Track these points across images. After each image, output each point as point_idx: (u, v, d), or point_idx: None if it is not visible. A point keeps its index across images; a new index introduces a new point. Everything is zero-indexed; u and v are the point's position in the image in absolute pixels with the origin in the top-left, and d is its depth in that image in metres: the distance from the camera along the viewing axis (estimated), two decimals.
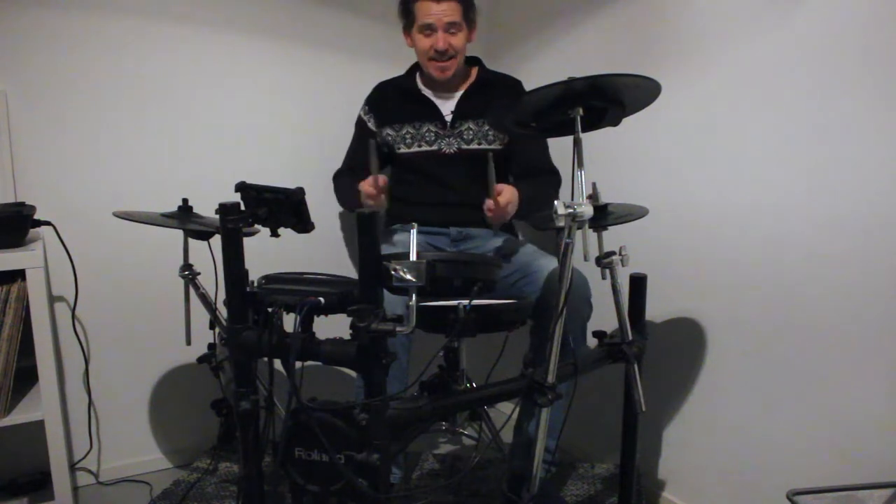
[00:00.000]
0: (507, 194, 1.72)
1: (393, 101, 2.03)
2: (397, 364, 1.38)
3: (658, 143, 1.80)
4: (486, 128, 1.97)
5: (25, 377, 1.62)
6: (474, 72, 2.04)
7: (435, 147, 1.98)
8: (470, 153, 1.97)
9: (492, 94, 1.98)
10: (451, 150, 1.98)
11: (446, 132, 1.98)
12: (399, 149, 2.02)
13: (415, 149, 2.00)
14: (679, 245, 1.77)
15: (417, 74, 2.05)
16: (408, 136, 2.00)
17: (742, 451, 1.64)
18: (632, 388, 1.48)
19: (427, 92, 2.01)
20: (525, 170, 2.02)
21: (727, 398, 1.67)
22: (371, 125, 2.05)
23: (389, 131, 2.02)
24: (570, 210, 1.18)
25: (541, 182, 1.98)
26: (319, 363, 1.22)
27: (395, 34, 1.99)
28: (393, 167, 2.09)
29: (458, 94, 1.99)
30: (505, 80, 2.05)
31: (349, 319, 1.12)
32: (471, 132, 1.97)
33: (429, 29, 1.89)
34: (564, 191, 1.99)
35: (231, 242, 1.24)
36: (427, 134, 1.99)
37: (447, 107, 1.99)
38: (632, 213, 1.55)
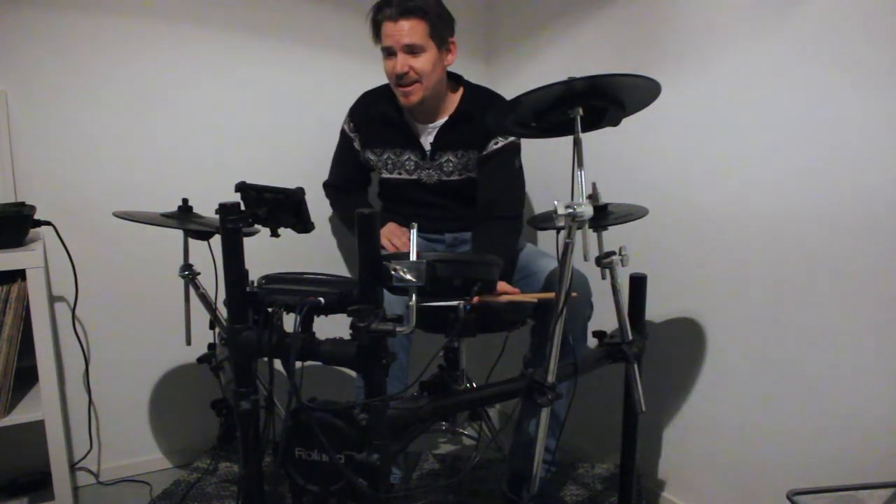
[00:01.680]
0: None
1: (375, 123, 1.93)
2: (397, 364, 1.38)
3: (658, 143, 1.80)
4: (466, 158, 1.88)
5: (25, 377, 1.62)
6: (457, 96, 1.89)
7: (415, 176, 1.92)
8: (451, 184, 1.92)
9: (474, 123, 1.83)
10: (432, 181, 1.92)
11: (426, 163, 1.90)
12: (381, 173, 1.98)
13: (395, 175, 1.95)
14: (679, 245, 1.77)
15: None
16: (389, 162, 1.94)
17: (742, 451, 1.64)
18: (632, 388, 1.48)
19: (408, 118, 1.90)
20: (484, 204, 1.87)
21: (727, 398, 1.67)
22: (356, 144, 1.98)
23: (371, 155, 1.96)
24: (570, 210, 1.18)
25: (490, 234, 1.81)
26: (319, 363, 1.22)
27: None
28: (380, 184, 2.06)
29: (439, 124, 1.88)
30: (490, 101, 1.89)
31: (349, 319, 1.12)
32: (451, 164, 1.89)
33: (389, 52, 1.76)
34: (565, 191, 1.99)
35: (231, 242, 1.24)
36: (407, 162, 1.92)
37: (427, 137, 1.90)
38: (632, 213, 1.55)
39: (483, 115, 1.80)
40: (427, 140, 1.90)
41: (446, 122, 1.87)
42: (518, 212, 1.87)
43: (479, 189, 1.89)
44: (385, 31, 1.75)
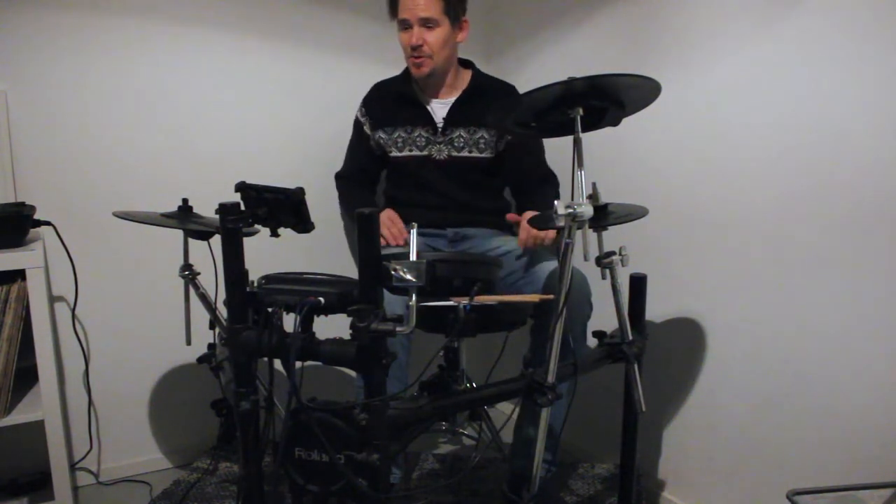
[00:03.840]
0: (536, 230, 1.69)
1: (387, 103, 2.00)
2: (397, 364, 1.38)
3: (658, 143, 1.80)
4: (478, 135, 1.94)
5: (25, 377, 1.62)
6: (468, 76, 1.99)
7: (426, 152, 1.96)
8: (461, 160, 1.96)
9: (486, 101, 1.89)
10: (442, 157, 1.96)
11: (437, 138, 1.95)
12: (391, 152, 2.00)
13: (406, 153, 1.98)
14: (679, 245, 1.77)
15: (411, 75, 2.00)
16: (399, 140, 1.98)
17: (742, 451, 1.64)
18: (632, 388, 1.48)
19: (420, 95, 1.97)
20: (521, 178, 2.02)
21: (727, 398, 1.67)
22: (367, 128, 2.03)
23: (382, 134, 2.00)
24: (570, 210, 1.18)
25: (544, 193, 1.97)
26: (319, 363, 1.22)
27: (395, 34, 1.99)
28: (387, 169, 2.09)
29: (452, 100, 1.95)
30: (499, 86, 2.01)
31: (349, 319, 1.12)
32: (461, 140, 1.94)
33: (405, 25, 1.86)
34: (564, 191, 1.99)
35: (231, 242, 1.24)
36: (418, 139, 1.96)
37: (440, 112, 1.96)
38: (632, 213, 1.55)
39: (494, 94, 1.93)
40: (440, 115, 1.95)
41: (460, 97, 1.95)
42: (552, 171, 2.03)
43: (512, 167, 2.00)
44: (403, 4, 1.84)
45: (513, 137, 1.96)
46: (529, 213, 1.75)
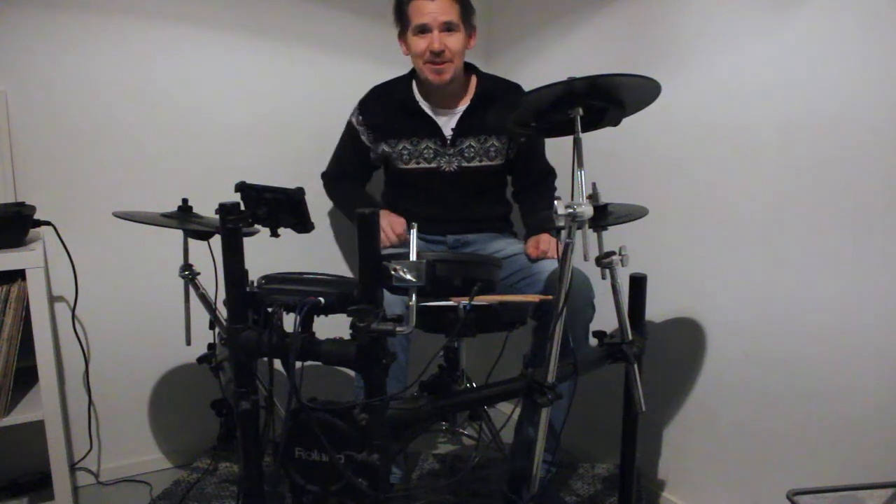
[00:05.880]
0: (545, 244, 1.78)
1: (389, 114, 1.93)
2: (397, 364, 1.38)
3: (658, 143, 1.80)
4: (489, 144, 1.90)
5: (25, 377, 1.62)
6: (473, 82, 1.94)
7: (434, 165, 1.92)
8: (471, 170, 1.92)
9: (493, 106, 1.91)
10: (452, 168, 1.92)
11: (446, 149, 1.90)
12: (397, 165, 1.96)
13: (412, 165, 1.93)
14: (679, 245, 1.77)
15: (414, 84, 1.94)
16: (405, 153, 1.92)
17: (742, 451, 1.64)
18: (632, 388, 1.48)
19: (425, 107, 1.91)
20: (523, 175, 2.04)
21: (727, 398, 1.67)
22: (365, 138, 1.97)
23: (385, 147, 1.94)
24: (570, 210, 1.18)
25: (545, 190, 2.02)
26: (319, 363, 1.22)
27: (395, 34, 1.99)
28: (388, 178, 2.07)
29: (460, 110, 1.90)
30: (505, 87, 1.96)
31: (349, 319, 1.12)
32: (472, 150, 1.90)
33: (423, 29, 1.79)
34: (564, 191, 1.99)
35: (231, 242, 1.24)
36: (426, 151, 1.91)
37: (448, 124, 1.91)
38: (632, 213, 1.55)
39: (501, 96, 1.88)
40: (448, 126, 1.91)
41: (468, 107, 1.90)
42: (551, 167, 2.06)
43: (516, 166, 2.01)
44: (420, 9, 1.79)
45: (524, 142, 1.94)
46: (535, 239, 1.82)
